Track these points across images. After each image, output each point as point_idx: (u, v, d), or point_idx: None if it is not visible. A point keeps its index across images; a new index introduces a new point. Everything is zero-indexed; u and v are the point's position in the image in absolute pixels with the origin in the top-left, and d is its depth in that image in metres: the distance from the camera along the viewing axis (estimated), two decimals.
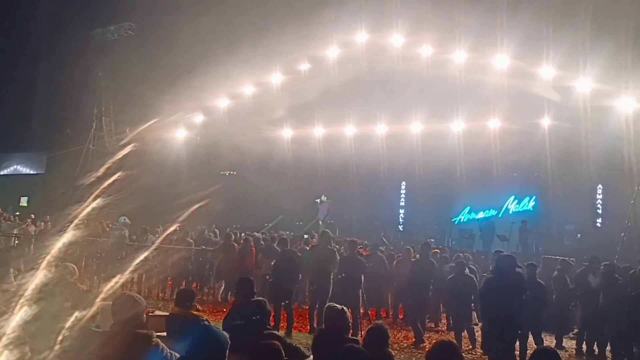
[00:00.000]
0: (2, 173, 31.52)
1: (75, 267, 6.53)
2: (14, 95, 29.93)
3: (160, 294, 13.50)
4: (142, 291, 12.65)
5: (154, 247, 12.14)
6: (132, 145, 18.70)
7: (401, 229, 23.80)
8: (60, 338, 3.90)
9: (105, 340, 4.03)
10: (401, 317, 12.71)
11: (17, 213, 21.95)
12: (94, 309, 4.83)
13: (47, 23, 30.68)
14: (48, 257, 4.63)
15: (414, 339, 10.53)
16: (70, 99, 26.34)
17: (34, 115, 31.88)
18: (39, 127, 31.33)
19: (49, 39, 30.66)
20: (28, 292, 4.21)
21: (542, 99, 17.15)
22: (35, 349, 4.02)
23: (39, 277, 4.42)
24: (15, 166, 31.34)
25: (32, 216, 19.68)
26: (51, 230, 15.26)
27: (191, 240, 15.06)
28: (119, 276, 6.64)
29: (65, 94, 26.88)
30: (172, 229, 14.46)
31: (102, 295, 4.68)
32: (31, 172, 30.76)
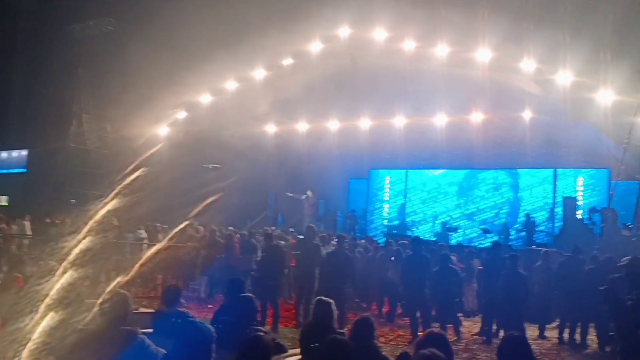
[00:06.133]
0: None
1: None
2: None
3: (145, 291, 13.41)
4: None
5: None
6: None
7: (386, 224, 23.79)
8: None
9: (92, 337, 4.02)
10: (386, 310, 12.79)
11: None
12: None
13: (25, 18, 30.21)
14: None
15: (399, 333, 10.64)
16: (50, 95, 25.96)
17: (13, 112, 31.37)
18: (18, 124, 30.86)
19: (27, 34, 30.18)
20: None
21: (523, 92, 17.31)
22: None
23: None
24: None
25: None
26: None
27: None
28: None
29: (45, 90, 26.50)
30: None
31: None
32: (12, 170, 30.12)
